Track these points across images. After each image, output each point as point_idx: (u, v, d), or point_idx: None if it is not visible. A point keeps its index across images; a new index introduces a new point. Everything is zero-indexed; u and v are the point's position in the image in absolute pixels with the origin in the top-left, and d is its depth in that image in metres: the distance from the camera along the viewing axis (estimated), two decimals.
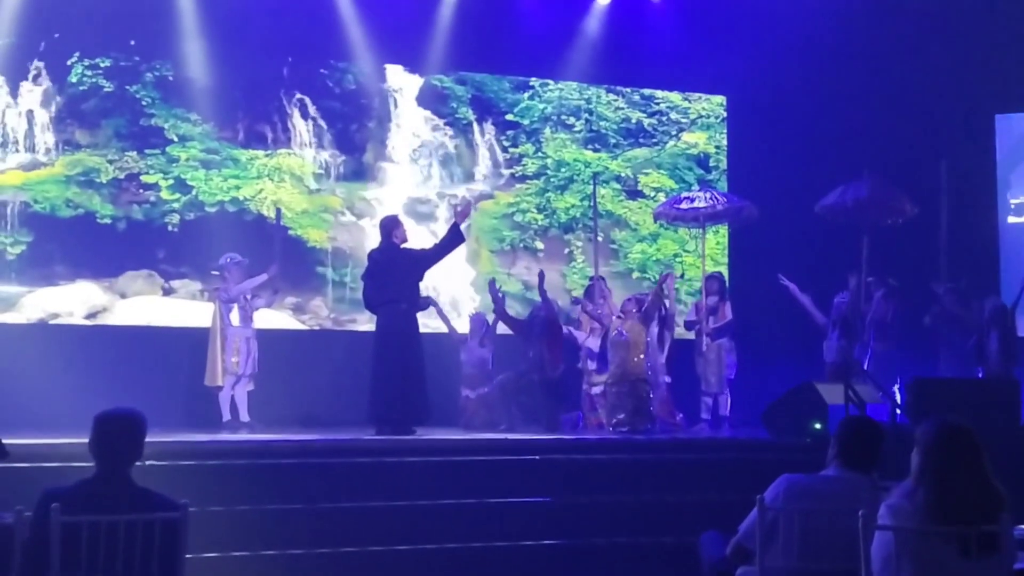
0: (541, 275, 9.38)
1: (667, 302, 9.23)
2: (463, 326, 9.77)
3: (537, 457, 7.12)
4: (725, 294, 10.02)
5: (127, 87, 10.00)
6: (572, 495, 6.80)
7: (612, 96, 11.73)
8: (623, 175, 11.63)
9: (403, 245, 8.34)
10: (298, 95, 10.59)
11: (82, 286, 9.76)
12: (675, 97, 11.91)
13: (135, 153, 9.97)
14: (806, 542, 3.82)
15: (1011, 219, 11.48)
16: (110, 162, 9.90)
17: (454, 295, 10.72)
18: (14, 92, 9.72)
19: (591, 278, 10.01)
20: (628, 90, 11.78)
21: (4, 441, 4.99)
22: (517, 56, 11.11)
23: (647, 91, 11.82)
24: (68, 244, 9.70)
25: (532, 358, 9.03)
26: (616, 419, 8.53)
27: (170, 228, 10.02)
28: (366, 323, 9.56)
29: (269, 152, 10.44)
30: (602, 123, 11.64)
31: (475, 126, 11.21)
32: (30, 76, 9.75)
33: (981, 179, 11.30)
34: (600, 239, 10.53)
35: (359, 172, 10.79)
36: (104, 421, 3.78)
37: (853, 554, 3.57)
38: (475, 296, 10.82)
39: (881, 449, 4.08)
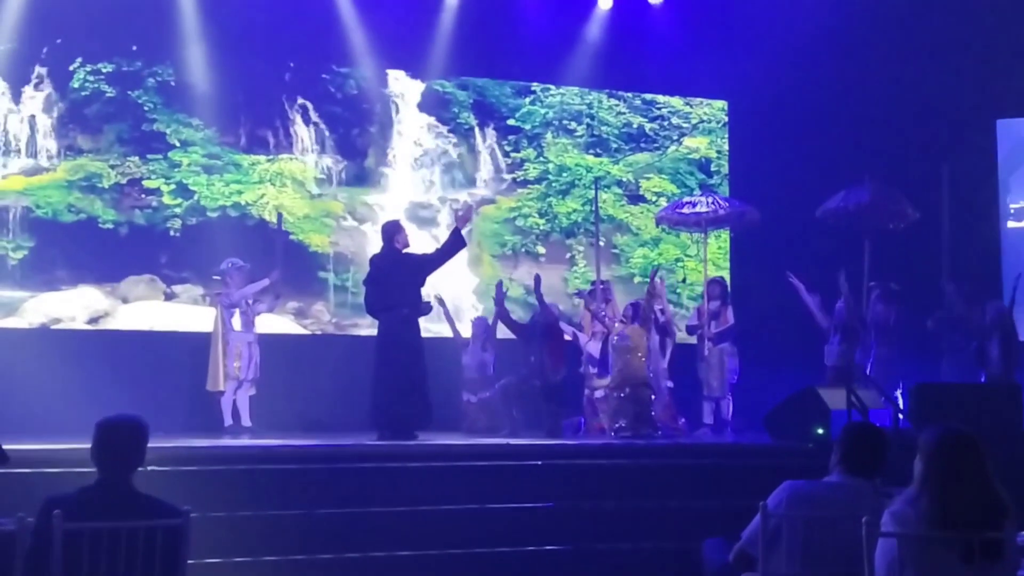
0: (537, 279, 9.27)
1: (657, 304, 9.14)
2: (465, 330, 9.77)
3: (539, 462, 7.09)
4: (727, 298, 9.98)
5: (129, 92, 10.02)
6: (574, 500, 6.77)
7: (613, 101, 11.74)
8: (625, 180, 11.63)
9: (405, 250, 8.33)
10: (300, 100, 10.61)
11: (84, 291, 9.77)
12: (676, 102, 11.91)
13: (137, 158, 9.99)
14: (809, 549, 3.81)
15: (1011, 224, 11.48)
16: (112, 167, 9.92)
17: (456, 300, 10.70)
18: (16, 97, 9.74)
19: (593, 283, 10.00)
20: (630, 95, 11.79)
21: (5, 446, 4.99)
22: (519, 61, 11.12)
23: (648, 96, 11.84)
24: (70, 249, 9.71)
25: (533, 363, 9.02)
26: (618, 424, 8.49)
27: (172, 233, 10.03)
28: (368, 328, 9.54)
29: (271, 157, 10.45)
30: (604, 128, 11.64)
31: (477, 131, 11.22)
32: (32, 81, 9.78)
33: (982, 184, 11.29)
34: (602, 243, 10.52)
35: (361, 177, 10.80)
36: (106, 428, 3.77)
37: (856, 561, 3.56)
38: (477, 304, 10.82)
39: (884, 455, 4.07)
